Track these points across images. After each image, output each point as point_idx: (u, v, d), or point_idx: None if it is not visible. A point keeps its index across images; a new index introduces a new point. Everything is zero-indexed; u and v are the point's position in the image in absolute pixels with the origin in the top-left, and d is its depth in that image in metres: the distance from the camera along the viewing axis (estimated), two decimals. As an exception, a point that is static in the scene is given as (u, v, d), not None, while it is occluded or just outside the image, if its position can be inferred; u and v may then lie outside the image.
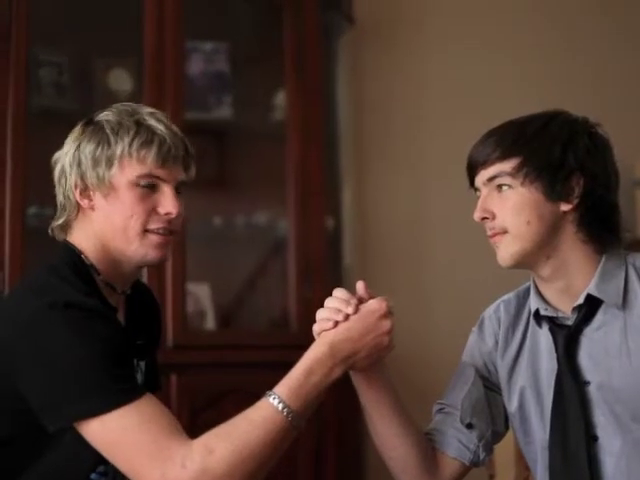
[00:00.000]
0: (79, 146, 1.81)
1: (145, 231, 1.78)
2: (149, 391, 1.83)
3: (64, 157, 1.83)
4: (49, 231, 1.88)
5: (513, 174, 1.78)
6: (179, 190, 1.83)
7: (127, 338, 1.77)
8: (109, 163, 1.78)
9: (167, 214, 1.79)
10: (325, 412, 3.26)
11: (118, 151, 1.77)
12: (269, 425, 1.62)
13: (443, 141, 3.90)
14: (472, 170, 1.85)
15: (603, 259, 1.81)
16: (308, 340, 1.75)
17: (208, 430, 1.65)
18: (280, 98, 3.60)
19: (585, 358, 1.80)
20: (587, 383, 1.79)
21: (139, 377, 1.88)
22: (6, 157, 3.12)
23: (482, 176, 1.83)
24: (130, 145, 1.77)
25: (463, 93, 3.98)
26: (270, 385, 1.68)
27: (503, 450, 2.34)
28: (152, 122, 1.79)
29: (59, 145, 1.88)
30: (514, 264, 1.81)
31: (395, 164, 3.92)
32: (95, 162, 1.78)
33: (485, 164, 1.81)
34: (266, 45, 3.67)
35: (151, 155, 1.77)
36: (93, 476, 1.76)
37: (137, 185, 1.78)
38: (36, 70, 3.33)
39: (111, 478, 1.78)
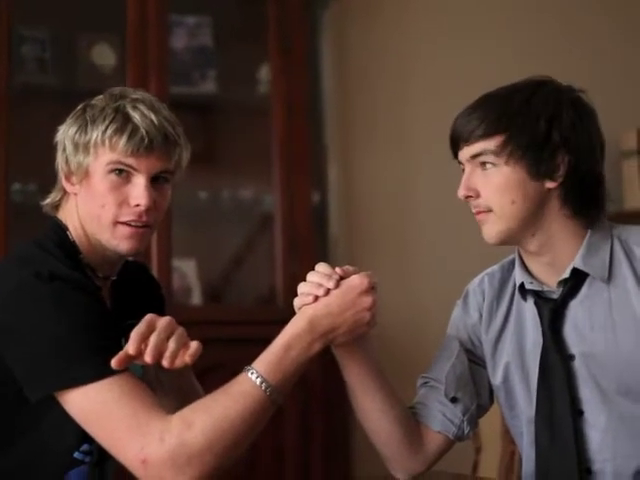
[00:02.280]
0: (65, 130, 1.81)
1: (116, 222, 1.76)
2: None
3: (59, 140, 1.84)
4: (43, 208, 1.87)
5: (497, 152, 1.76)
6: (162, 180, 1.80)
7: (113, 319, 1.76)
8: (86, 150, 1.76)
9: (136, 205, 1.76)
10: (312, 386, 3.27)
11: (93, 138, 1.75)
12: (247, 400, 1.62)
13: (429, 116, 3.89)
14: (455, 145, 1.83)
15: (589, 233, 1.81)
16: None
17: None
18: (264, 72, 3.59)
19: (570, 332, 1.80)
20: (572, 357, 1.79)
21: None
22: (-11, 133, 3.10)
23: (465, 153, 1.80)
24: (104, 132, 1.74)
25: (449, 68, 3.96)
26: (257, 361, 1.68)
27: (489, 424, 2.35)
28: (129, 110, 1.76)
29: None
30: (499, 242, 1.80)
31: (381, 139, 3.91)
32: (75, 148, 1.78)
33: (468, 141, 1.79)
34: (250, 19, 3.65)
35: (121, 142, 1.74)
36: (77, 455, 1.76)
37: (109, 172, 1.75)
38: (19, 46, 3.31)
39: (95, 457, 1.78)
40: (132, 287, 1.94)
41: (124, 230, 1.76)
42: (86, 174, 1.77)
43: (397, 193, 3.93)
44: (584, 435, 1.78)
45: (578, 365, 1.78)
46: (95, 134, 1.75)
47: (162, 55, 3.35)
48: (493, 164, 1.77)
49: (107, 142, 1.74)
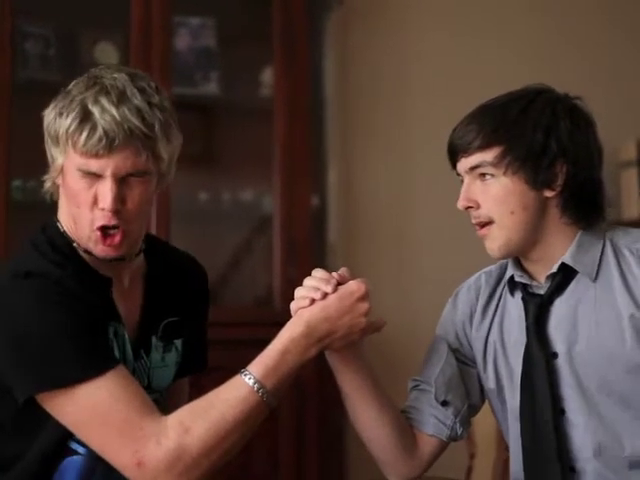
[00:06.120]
0: (48, 113, 1.72)
1: (92, 226, 1.69)
2: (190, 371, 1.87)
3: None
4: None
5: (495, 164, 1.77)
6: (138, 175, 1.68)
7: (98, 315, 1.69)
8: (57, 143, 1.68)
9: (102, 209, 1.66)
10: (306, 390, 3.27)
11: (60, 133, 1.66)
12: (244, 404, 1.62)
13: (429, 121, 3.89)
14: (453, 156, 1.83)
15: (580, 232, 1.81)
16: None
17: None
18: (267, 75, 3.59)
19: (554, 329, 1.80)
20: (555, 354, 1.80)
21: (174, 356, 1.84)
22: (-9, 129, 3.10)
23: (464, 164, 1.81)
24: (67, 129, 1.65)
25: (450, 73, 3.97)
26: (253, 363, 1.68)
27: (484, 431, 2.35)
28: (90, 104, 1.64)
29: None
30: (504, 255, 1.81)
31: (381, 143, 3.91)
32: (50, 138, 1.70)
33: (466, 153, 1.79)
34: (253, 21, 3.65)
35: (79, 144, 1.63)
36: (73, 445, 1.70)
37: (78, 175, 1.67)
38: (22, 43, 3.32)
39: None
40: (173, 278, 1.89)
41: (96, 235, 1.69)
42: (60, 170, 1.70)
43: (396, 198, 3.93)
44: (566, 434, 1.78)
45: (561, 363, 1.79)
46: (61, 130, 1.66)
47: (165, 56, 3.35)
48: (492, 175, 1.78)
49: (70, 141, 1.65)
